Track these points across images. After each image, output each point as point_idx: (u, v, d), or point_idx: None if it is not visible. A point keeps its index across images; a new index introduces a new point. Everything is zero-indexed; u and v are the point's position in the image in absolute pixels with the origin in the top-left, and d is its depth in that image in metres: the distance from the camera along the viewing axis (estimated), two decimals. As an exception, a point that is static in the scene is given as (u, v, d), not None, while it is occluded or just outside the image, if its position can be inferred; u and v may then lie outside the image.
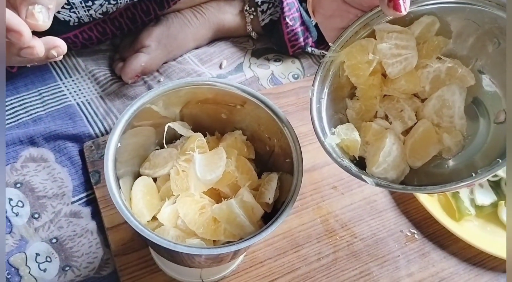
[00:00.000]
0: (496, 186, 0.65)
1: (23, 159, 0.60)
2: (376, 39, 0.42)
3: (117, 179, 0.42)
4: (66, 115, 0.65)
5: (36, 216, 0.56)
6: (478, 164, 0.40)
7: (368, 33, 0.43)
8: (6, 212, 0.55)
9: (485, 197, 0.63)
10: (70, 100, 0.67)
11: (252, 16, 0.76)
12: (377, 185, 0.39)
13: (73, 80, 0.69)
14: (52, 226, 0.56)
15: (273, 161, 0.49)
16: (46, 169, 0.60)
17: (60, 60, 0.71)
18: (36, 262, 0.53)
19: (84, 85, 0.69)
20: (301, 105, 0.72)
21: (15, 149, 0.60)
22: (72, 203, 0.58)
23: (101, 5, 0.62)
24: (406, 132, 0.43)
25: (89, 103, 0.67)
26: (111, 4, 0.62)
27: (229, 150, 0.46)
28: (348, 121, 0.45)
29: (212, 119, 0.50)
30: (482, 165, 0.37)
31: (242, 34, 0.79)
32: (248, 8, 0.75)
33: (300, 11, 0.74)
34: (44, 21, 0.32)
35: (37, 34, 0.33)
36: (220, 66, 0.74)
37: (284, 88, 0.73)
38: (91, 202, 0.59)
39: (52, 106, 0.66)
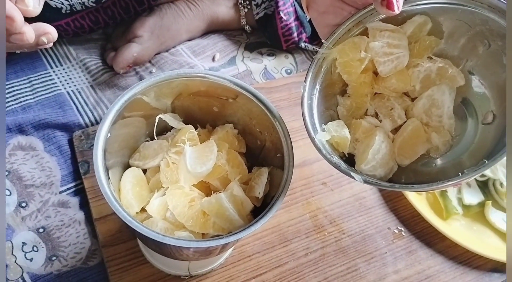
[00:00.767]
0: (483, 185, 0.66)
1: (11, 147, 0.59)
2: (368, 37, 0.42)
3: (106, 170, 0.41)
4: (56, 104, 0.64)
5: (24, 205, 0.56)
6: (465, 163, 0.40)
7: (361, 31, 0.43)
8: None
9: (473, 197, 0.64)
10: (60, 89, 0.66)
11: (246, 10, 0.75)
12: (365, 182, 0.39)
13: (63, 69, 0.69)
14: (39, 215, 0.55)
15: (264, 156, 0.49)
16: (34, 158, 0.59)
17: (51, 48, 0.70)
18: (23, 251, 0.53)
19: (75, 74, 0.68)
20: (293, 101, 0.72)
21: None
22: (60, 192, 0.58)
23: (94, -7, 0.61)
24: (395, 130, 0.44)
25: (79, 92, 0.66)
26: (104, -8, 0.61)
27: (220, 143, 0.46)
28: (339, 118, 0.45)
29: (203, 112, 0.49)
30: (469, 165, 0.38)
31: (236, 27, 0.79)
32: (242, 1, 0.75)
33: (294, 6, 0.73)
34: (34, 7, 0.32)
35: (28, 21, 0.33)
36: (213, 59, 0.74)
37: (276, 83, 0.72)
38: (80, 192, 0.59)
39: (42, 95, 0.65)
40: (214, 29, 0.77)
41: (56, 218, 0.56)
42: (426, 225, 0.61)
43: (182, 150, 0.44)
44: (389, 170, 0.42)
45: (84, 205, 0.58)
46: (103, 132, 0.40)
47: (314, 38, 0.77)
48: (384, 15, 0.41)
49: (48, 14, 0.61)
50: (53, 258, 0.53)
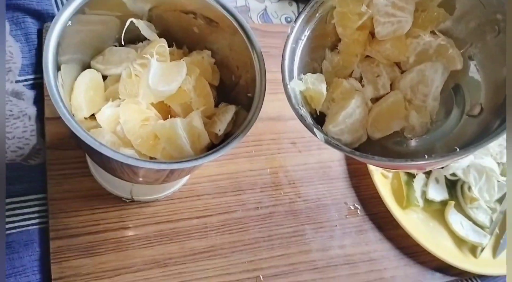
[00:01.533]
0: (451, 185, 0.64)
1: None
2: None
3: (57, 65, 0.37)
4: (33, -13, 0.58)
5: (-27, 84, 0.51)
6: (437, 151, 0.38)
7: None
8: None
9: (437, 193, 0.62)
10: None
11: None
12: (326, 142, 0.37)
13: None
14: (-12, 99, 0.51)
15: (235, 94, 0.45)
16: (-3, 37, 0.54)
17: None
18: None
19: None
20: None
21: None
22: (17, 82, 0.54)
23: None
24: (376, 100, 0.41)
25: (61, -19, 0.61)
26: None
27: (191, 67, 0.42)
28: (322, 73, 0.41)
29: (183, 30, 0.45)
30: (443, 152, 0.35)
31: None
32: None
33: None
34: None
35: None
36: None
37: (273, 28, 0.68)
38: (37, 86, 0.54)
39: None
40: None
41: (6, 107, 0.52)
42: (383, 209, 0.60)
43: (148, 63, 0.40)
44: (356, 139, 0.39)
45: (39, 101, 0.54)
46: (62, 19, 0.36)
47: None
48: None
49: None
50: (-7, 148, 0.50)
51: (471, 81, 0.38)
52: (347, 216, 0.60)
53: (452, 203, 0.62)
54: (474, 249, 0.61)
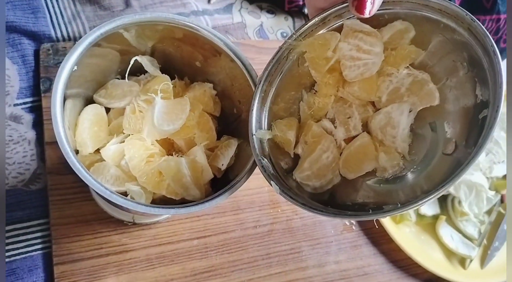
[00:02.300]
0: (442, 199, 0.66)
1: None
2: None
3: (63, 108, 0.37)
4: (29, 8, 0.57)
5: (-29, 110, 0.51)
6: (414, 189, 0.37)
7: (337, 26, 0.39)
8: None
9: (429, 208, 0.64)
10: (37, -9, 0.59)
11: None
12: (281, 193, 0.37)
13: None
14: (-13, 125, 0.51)
15: (237, 126, 0.46)
16: (-7, 61, 0.54)
17: None
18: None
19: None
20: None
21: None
22: (15, 105, 0.53)
23: None
24: (350, 139, 0.41)
25: (57, 1, 0.60)
26: None
27: (195, 103, 0.43)
28: (299, 115, 0.42)
29: (185, 62, 0.45)
30: (421, 188, 0.36)
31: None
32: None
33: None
34: None
35: None
36: (209, 1, 0.68)
37: (269, 44, 0.68)
38: (36, 109, 0.54)
39: (15, -7, 0.58)
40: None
41: (5, 131, 0.52)
42: (378, 224, 0.61)
43: (152, 99, 0.41)
44: (325, 182, 0.39)
45: (38, 125, 0.54)
46: (70, 63, 0.36)
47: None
48: None
49: None
50: (-6, 174, 0.50)
51: (447, 116, 0.38)
52: (343, 232, 0.62)
53: (444, 217, 0.64)
54: (463, 261, 0.64)
